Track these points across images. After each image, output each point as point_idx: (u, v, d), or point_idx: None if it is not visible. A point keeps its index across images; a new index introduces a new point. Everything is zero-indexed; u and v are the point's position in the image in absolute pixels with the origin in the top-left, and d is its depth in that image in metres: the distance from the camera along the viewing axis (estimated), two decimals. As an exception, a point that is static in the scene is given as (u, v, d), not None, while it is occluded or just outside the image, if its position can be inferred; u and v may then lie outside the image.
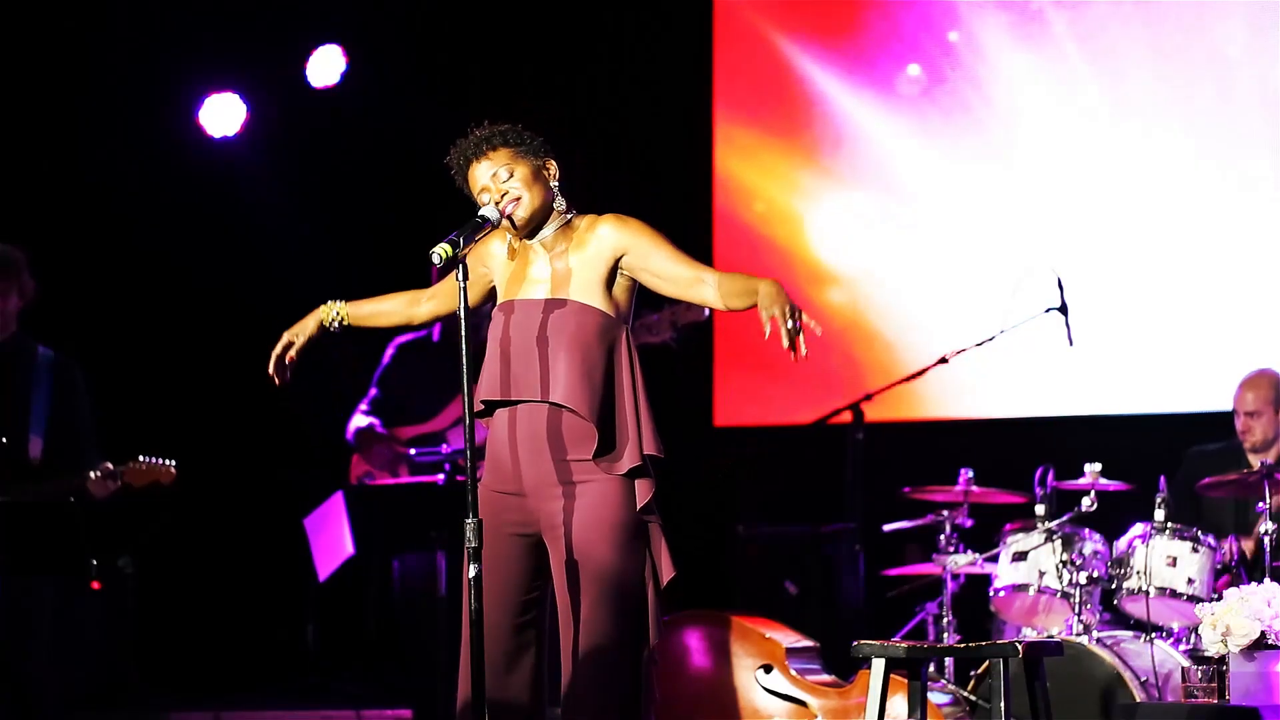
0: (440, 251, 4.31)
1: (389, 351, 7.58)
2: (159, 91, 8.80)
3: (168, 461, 6.38)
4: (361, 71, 8.73)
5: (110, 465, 6.31)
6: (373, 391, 7.56)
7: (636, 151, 9.13)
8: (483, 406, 4.49)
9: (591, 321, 4.43)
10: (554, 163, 4.55)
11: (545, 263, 4.51)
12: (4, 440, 6.31)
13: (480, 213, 4.47)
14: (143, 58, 8.69)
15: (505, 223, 4.48)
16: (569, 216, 4.55)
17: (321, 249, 8.87)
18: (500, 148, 4.51)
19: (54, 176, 8.71)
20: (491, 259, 4.61)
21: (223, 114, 8.71)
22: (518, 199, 4.47)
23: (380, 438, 7.42)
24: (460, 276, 4.33)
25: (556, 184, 4.54)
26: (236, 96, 8.71)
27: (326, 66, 8.70)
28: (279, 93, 8.79)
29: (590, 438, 4.39)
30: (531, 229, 4.52)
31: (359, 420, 7.49)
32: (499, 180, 4.49)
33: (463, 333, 4.31)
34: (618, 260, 4.48)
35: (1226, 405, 7.18)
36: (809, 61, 8.96)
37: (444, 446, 7.15)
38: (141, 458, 6.36)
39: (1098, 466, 6.57)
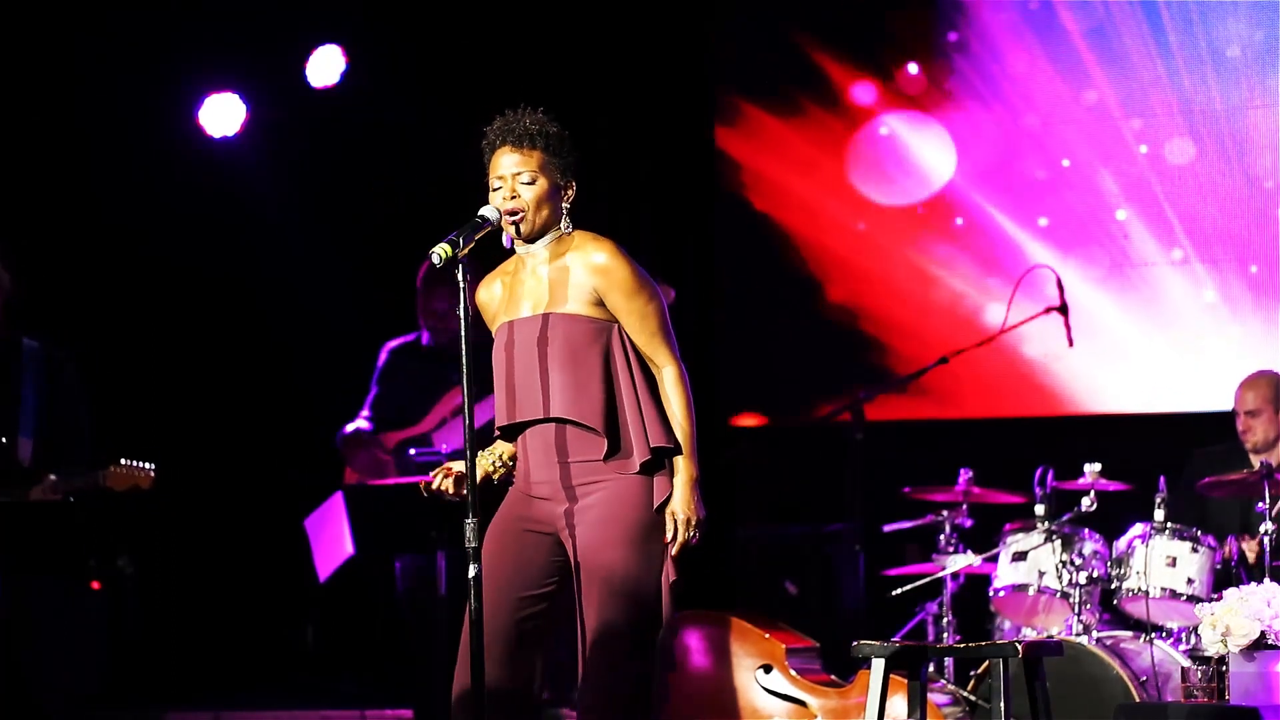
0: (440, 251, 4.30)
1: (382, 355, 7.57)
2: (159, 91, 8.79)
3: (147, 465, 6.29)
4: (361, 71, 8.72)
5: (64, 477, 6.22)
6: (375, 390, 7.55)
7: (637, 152, 9.11)
8: (499, 432, 4.53)
9: (581, 329, 4.43)
10: (574, 187, 4.52)
11: (534, 277, 4.51)
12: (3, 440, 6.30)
13: (480, 212, 4.45)
14: (143, 57, 8.68)
15: (505, 224, 4.47)
16: (566, 233, 4.53)
17: (321, 249, 8.86)
18: (539, 150, 4.48)
19: (53, 176, 8.70)
20: (490, 301, 4.59)
21: (223, 114, 8.70)
22: (521, 212, 4.45)
23: (365, 442, 7.39)
24: (461, 276, 4.32)
25: (567, 206, 4.51)
26: (236, 96, 8.71)
27: (326, 66, 8.69)
28: (279, 93, 8.79)
29: (600, 443, 4.41)
30: (528, 237, 4.51)
31: (356, 423, 7.47)
32: (518, 181, 4.46)
33: (462, 332, 4.30)
34: (600, 293, 4.47)
35: (1227, 405, 7.17)
36: (807, 59, 8.96)
37: (443, 446, 7.14)
38: (123, 460, 6.29)
39: (1098, 466, 6.57)
